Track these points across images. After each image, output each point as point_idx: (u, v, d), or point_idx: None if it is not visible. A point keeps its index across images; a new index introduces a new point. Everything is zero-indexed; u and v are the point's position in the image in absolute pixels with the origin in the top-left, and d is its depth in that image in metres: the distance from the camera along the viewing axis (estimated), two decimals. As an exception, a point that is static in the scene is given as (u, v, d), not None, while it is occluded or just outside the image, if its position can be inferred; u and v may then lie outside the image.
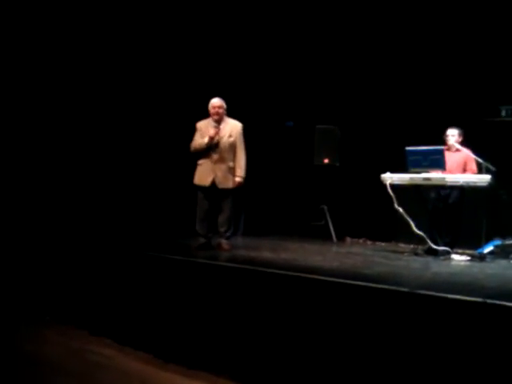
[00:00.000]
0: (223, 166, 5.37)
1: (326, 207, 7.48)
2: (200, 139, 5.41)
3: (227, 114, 5.52)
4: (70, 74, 7.05)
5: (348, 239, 7.47)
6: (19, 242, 5.86)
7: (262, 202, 7.99)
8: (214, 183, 5.37)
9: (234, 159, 5.41)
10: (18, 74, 6.73)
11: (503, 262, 5.36)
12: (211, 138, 5.31)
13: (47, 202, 6.73)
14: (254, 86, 8.07)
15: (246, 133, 5.64)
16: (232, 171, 5.40)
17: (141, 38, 7.44)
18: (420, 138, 5.92)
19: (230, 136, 5.39)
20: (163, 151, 7.38)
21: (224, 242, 5.50)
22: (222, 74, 7.68)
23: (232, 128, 5.43)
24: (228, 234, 5.53)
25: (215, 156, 5.38)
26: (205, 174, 5.41)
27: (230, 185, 5.39)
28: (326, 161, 7.59)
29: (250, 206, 7.81)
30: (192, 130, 5.54)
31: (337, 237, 7.34)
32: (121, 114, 7.38)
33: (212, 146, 5.35)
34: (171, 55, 7.61)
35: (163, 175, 7.40)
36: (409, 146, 5.74)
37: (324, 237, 7.31)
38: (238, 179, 5.39)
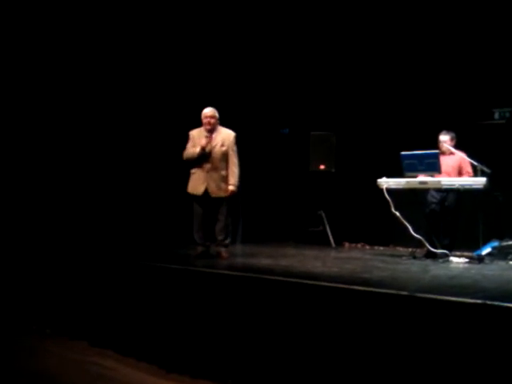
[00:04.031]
0: (216, 175, 5.39)
1: (323, 213, 7.50)
2: (192, 148, 5.45)
3: (220, 124, 5.55)
4: (58, 89, 7.03)
5: (346, 244, 7.49)
6: (17, 256, 5.85)
7: (260, 209, 8.01)
8: (206, 192, 5.40)
9: (226, 168, 5.43)
10: (17, 75, 6.72)
11: (501, 263, 5.38)
12: (203, 148, 5.35)
13: (43, 213, 6.72)
14: (249, 93, 8.10)
15: (242, 141, 5.67)
16: (225, 180, 5.41)
17: (135, 48, 7.45)
18: (415, 143, 5.96)
19: (223, 145, 5.41)
20: (161, 160, 7.38)
21: (223, 251, 5.51)
22: (216, 81, 7.71)
23: (224, 137, 5.45)
24: (226, 241, 5.55)
25: (207, 165, 5.40)
26: (198, 183, 5.43)
27: (222, 193, 5.41)
28: (322, 167, 7.63)
29: (247, 213, 7.84)
30: (186, 139, 5.57)
31: (335, 242, 7.36)
32: (117, 124, 7.37)
33: (204, 156, 5.38)
34: (165, 63, 7.62)
35: (161, 185, 7.40)
36: (404, 150, 5.78)
37: (322, 242, 7.33)
38: (231, 187, 5.40)
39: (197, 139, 5.45)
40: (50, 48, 6.89)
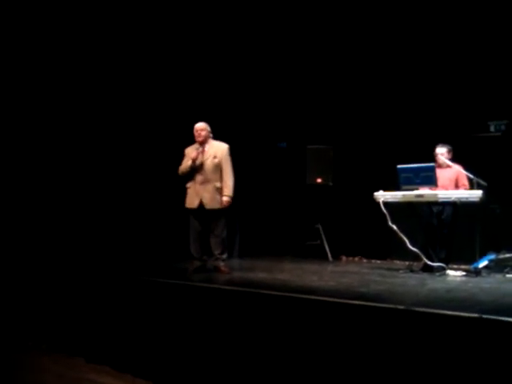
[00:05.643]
0: (209, 187, 5.43)
1: (320, 226, 7.50)
2: (186, 163, 5.52)
3: (219, 138, 5.60)
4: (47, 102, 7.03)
5: (343, 258, 7.48)
6: (13, 272, 5.83)
7: (257, 222, 8.01)
8: (201, 205, 5.42)
9: (220, 180, 5.47)
10: (17, 79, 6.71)
11: (498, 277, 5.39)
12: (193, 160, 5.41)
13: (39, 226, 6.70)
14: (247, 107, 8.13)
15: (240, 154, 5.71)
16: (219, 191, 5.45)
17: (132, 63, 7.48)
18: (412, 156, 5.98)
19: (215, 157, 5.46)
20: (158, 175, 7.38)
21: (222, 265, 5.51)
22: (215, 96, 7.74)
23: (217, 149, 5.51)
24: (224, 256, 5.55)
25: (200, 178, 5.45)
26: (192, 196, 5.49)
27: (217, 205, 5.44)
28: (319, 180, 7.64)
29: (244, 227, 7.83)
30: (184, 155, 5.62)
31: (332, 256, 7.35)
32: (118, 139, 7.39)
33: (197, 168, 5.44)
34: (162, 79, 7.65)
35: (157, 199, 7.40)
36: (400, 163, 5.80)
37: (319, 256, 7.31)
38: (225, 198, 5.43)
39: (190, 154, 5.53)
40: (49, 54, 6.91)
